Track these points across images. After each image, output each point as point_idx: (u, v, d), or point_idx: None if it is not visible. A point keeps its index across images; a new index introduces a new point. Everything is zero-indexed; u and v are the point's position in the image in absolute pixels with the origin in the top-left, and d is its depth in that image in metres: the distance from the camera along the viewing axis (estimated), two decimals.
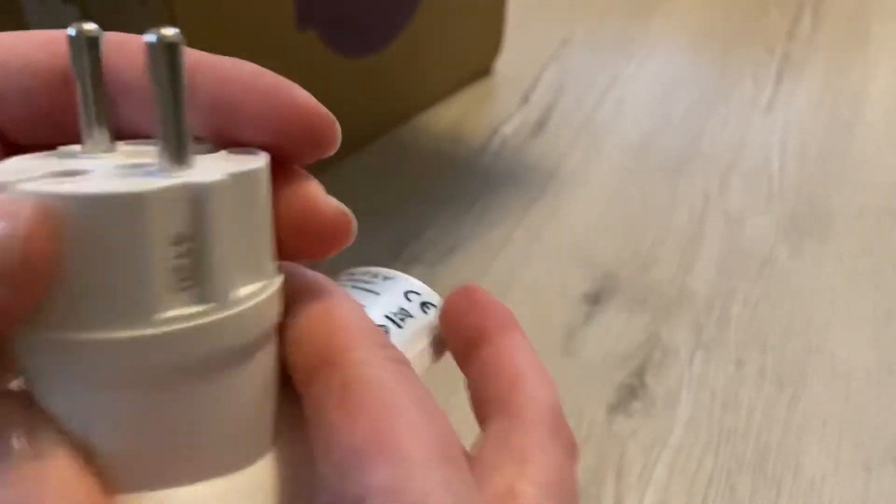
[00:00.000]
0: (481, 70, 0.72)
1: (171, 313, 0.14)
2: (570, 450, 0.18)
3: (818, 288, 0.51)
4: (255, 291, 0.15)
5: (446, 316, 0.21)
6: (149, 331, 0.13)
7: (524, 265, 0.52)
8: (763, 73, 0.75)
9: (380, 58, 0.59)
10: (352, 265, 0.23)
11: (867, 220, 0.58)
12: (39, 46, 0.16)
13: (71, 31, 0.15)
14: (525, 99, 0.70)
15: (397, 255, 0.52)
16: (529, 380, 0.19)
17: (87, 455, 0.14)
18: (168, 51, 0.14)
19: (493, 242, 0.54)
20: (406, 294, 0.22)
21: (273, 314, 0.16)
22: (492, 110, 0.68)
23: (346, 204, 0.16)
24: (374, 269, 0.23)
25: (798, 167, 0.63)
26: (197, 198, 0.14)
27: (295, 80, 0.16)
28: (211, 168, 0.14)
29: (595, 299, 0.50)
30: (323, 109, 0.16)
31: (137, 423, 0.14)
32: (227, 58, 0.16)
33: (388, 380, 0.15)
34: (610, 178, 0.61)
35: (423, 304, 0.22)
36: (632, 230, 0.56)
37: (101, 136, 0.15)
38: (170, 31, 0.14)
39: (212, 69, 0.16)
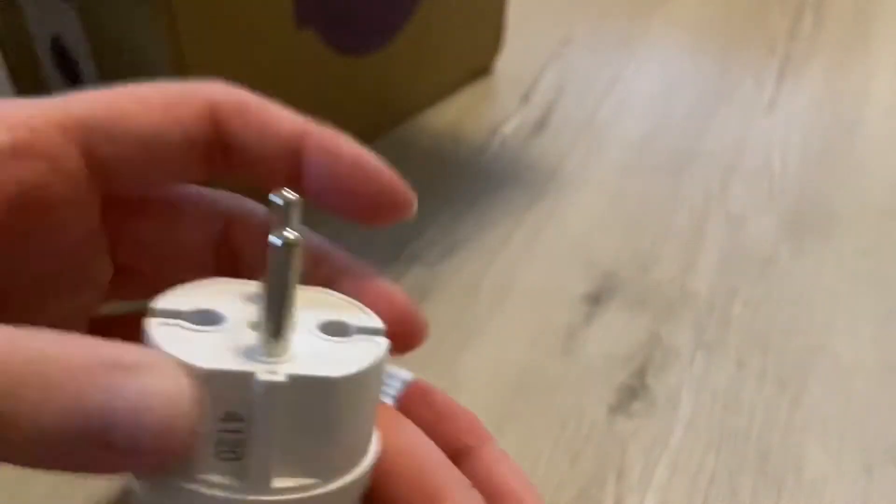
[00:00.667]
0: (481, 69, 0.72)
1: (206, 476, 0.15)
2: None
3: (820, 288, 0.51)
4: (296, 487, 0.16)
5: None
6: (185, 484, 0.15)
7: (524, 265, 0.52)
8: (764, 73, 0.74)
9: (379, 57, 0.59)
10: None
11: (869, 219, 0.57)
12: (163, 112, 0.18)
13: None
14: (525, 98, 0.69)
15: (397, 255, 0.52)
16: (527, 501, 0.19)
17: None
18: (287, 251, 0.16)
19: (493, 242, 0.54)
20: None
21: None
22: (492, 110, 0.68)
23: None
24: None
25: (800, 167, 0.63)
26: (252, 388, 0.15)
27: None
28: (294, 361, 0.16)
29: (595, 299, 0.50)
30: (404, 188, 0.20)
31: None
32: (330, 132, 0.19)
33: None
34: (610, 178, 0.61)
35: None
36: (632, 230, 0.56)
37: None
38: (291, 235, 0.16)
39: (319, 143, 0.19)
